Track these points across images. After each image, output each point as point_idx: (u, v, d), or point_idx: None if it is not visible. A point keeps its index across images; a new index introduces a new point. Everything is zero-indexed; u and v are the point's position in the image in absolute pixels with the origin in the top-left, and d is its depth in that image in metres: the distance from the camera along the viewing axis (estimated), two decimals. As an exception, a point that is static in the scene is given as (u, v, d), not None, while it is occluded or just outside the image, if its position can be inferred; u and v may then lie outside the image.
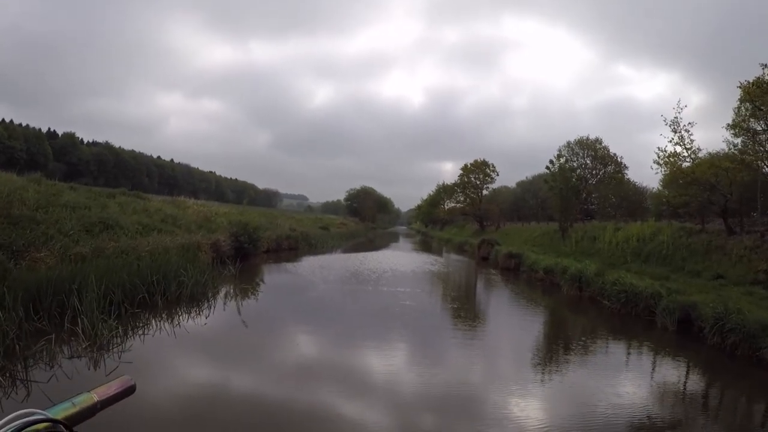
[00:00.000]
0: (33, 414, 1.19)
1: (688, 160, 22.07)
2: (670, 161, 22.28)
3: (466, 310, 18.35)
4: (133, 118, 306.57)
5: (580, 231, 32.66)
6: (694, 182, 21.00)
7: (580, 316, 18.20)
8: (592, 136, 46.18)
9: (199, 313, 14.20)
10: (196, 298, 15.46)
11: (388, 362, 10.89)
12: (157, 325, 12.59)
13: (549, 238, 37.04)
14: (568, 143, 42.14)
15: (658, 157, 22.71)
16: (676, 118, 21.88)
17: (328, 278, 23.24)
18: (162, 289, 14.67)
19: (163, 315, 13.53)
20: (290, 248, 37.79)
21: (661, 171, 24.50)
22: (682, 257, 21.44)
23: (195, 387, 8.88)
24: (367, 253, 42.93)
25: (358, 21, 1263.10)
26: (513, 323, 16.49)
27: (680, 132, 21.97)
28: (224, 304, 15.70)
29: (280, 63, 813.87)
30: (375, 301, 18.44)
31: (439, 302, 19.95)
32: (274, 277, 23.69)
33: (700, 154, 22.52)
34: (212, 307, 15.05)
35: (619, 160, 46.50)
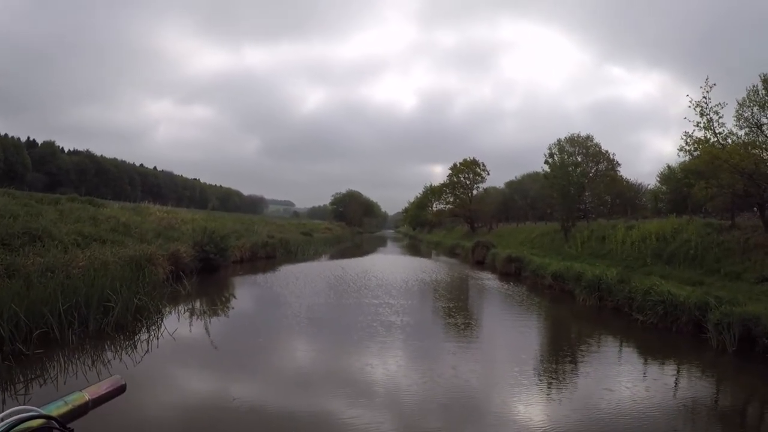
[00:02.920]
0: (28, 411, 1.24)
1: (717, 145, 19.06)
2: (701, 147, 19.23)
3: (466, 326, 15.09)
4: (121, 125, 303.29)
5: (585, 230, 29.67)
6: (733, 169, 17.97)
7: (606, 332, 14.98)
8: (583, 134, 43.51)
9: (132, 350, 10.91)
10: (127, 329, 12.12)
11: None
12: (63, 374, 9.34)
13: (549, 239, 34.06)
14: (559, 141, 39.45)
15: (686, 143, 19.68)
16: (704, 98, 18.91)
17: (302, 291, 19.92)
18: (79, 319, 11.34)
19: (77, 357, 10.24)
20: (267, 257, 34.30)
21: (686, 158, 21.72)
22: (715, 258, 18.46)
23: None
24: (351, 260, 39.72)
25: (351, 25, 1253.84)
26: (525, 344, 13.24)
27: (708, 115, 19.00)
28: (164, 334, 12.11)
29: (272, 68, 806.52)
30: (353, 319, 15.07)
31: (432, 317, 16.78)
32: (238, 293, 20.22)
33: (728, 140, 19.52)
34: (151, 339, 11.74)
35: (611, 157, 43.91)
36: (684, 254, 19.90)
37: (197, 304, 16.40)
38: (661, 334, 13.88)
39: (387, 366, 10.51)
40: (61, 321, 10.75)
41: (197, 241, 24.08)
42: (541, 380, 9.96)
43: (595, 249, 26.58)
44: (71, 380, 8.86)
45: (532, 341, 13.80)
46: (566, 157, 33.88)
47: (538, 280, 23.96)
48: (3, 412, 1.19)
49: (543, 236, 35.85)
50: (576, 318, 17.25)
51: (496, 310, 18.36)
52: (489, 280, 26.46)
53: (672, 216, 26.04)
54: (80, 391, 1.46)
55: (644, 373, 10.69)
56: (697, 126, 19.35)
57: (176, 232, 26.08)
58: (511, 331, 14.90)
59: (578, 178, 32.11)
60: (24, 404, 1.30)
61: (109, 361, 10.08)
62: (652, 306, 14.47)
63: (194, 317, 14.54)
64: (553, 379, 10.13)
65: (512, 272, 27.69)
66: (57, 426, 1.26)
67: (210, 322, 14.22)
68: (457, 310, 17.98)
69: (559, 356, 12.13)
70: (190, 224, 28.68)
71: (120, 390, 1.58)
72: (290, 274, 26.10)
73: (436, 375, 9.92)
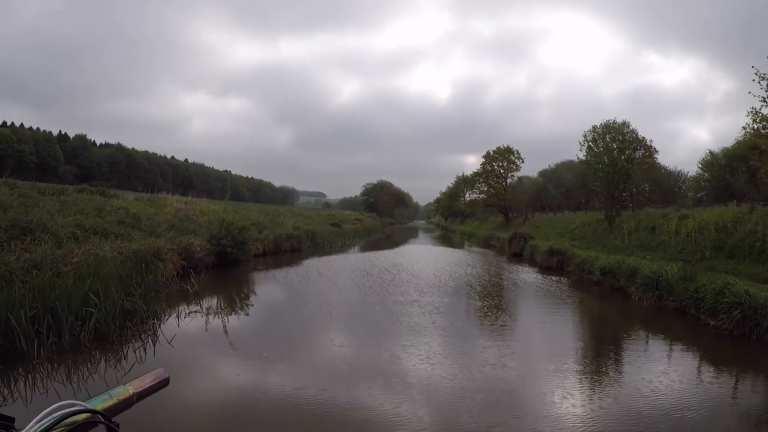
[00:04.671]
0: (74, 405, 1.24)
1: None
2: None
3: (506, 331, 13.08)
4: (155, 118, 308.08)
5: (631, 220, 27.38)
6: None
7: (669, 338, 12.68)
8: (619, 120, 41.06)
9: (118, 362, 9.31)
10: (110, 338, 10.40)
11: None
12: (31, 391, 7.79)
13: (592, 230, 31.82)
14: (594, 128, 37.25)
15: (753, 121, 17.47)
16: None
17: (324, 289, 18.22)
18: (55, 327, 9.67)
19: (48, 373, 8.61)
20: (292, 250, 32.50)
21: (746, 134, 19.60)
22: (787, 251, 16.24)
23: None
24: (380, 252, 37.99)
25: (386, 15, 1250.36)
26: (577, 353, 11.18)
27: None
28: (161, 341, 10.44)
29: (307, 59, 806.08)
30: (378, 319, 13.56)
31: (466, 318, 14.73)
32: (252, 291, 18.42)
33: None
34: (145, 346, 10.09)
35: (648, 143, 41.35)
36: (749, 247, 17.69)
37: (204, 305, 14.57)
38: (736, 342, 11.82)
39: (412, 377, 8.91)
40: (28, 330, 9.07)
41: (213, 234, 22.44)
42: (597, 398, 8.13)
43: (644, 240, 24.34)
44: (41, 400, 7.33)
45: (585, 349, 11.78)
46: (609, 141, 31.34)
47: (584, 276, 21.86)
48: (48, 407, 1.19)
49: (584, 227, 33.59)
50: (631, 320, 15.07)
51: (541, 312, 16.07)
52: (529, 274, 24.28)
53: (732, 204, 23.65)
54: (125, 384, 1.46)
55: (717, 389, 8.91)
56: (764, 101, 17.25)
57: (193, 224, 24.55)
58: (560, 337, 12.76)
59: (623, 164, 29.64)
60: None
61: (90, 375, 8.55)
62: (727, 309, 12.31)
63: (197, 321, 12.76)
64: (609, 396, 8.24)
65: (554, 266, 25.65)
66: (102, 420, 1.26)
67: (214, 326, 12.41)
68: (495, 309, 16.04)
69: (617, 367, 10.11)
70: (210, 215, 27.08)
71: (164, 383, 1.58)
72: (313, 269, 24.37)
73: (470, 395, 8.15)
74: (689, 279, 14.84)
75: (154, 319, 11.84)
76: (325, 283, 19.57)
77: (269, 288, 19.06)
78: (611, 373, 9.66)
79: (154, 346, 10.26)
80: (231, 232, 22.69)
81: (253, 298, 16.74)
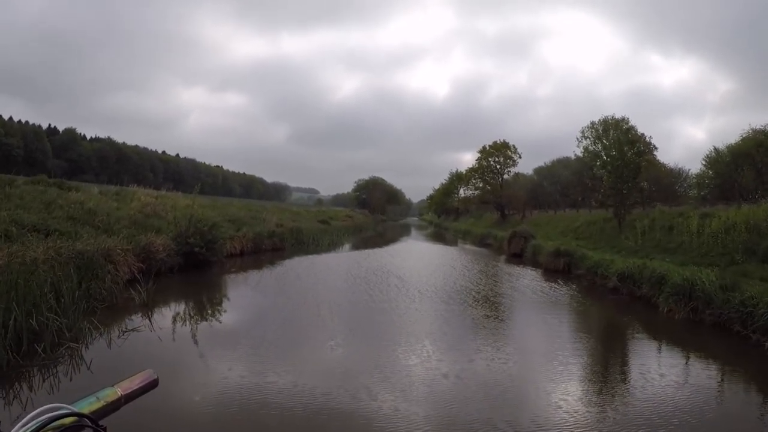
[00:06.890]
0: (59, 409, 1.19)
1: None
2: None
3: (512, 352, 10.66)
4: (153, 113, 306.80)
5: (644, 219, 25.10)
6: None
7: (717, 361, 10.42)
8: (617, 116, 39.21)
9: (16, 394, 7.10)
10: (2, 371, 7.89)
11: None
12: None
13: (598, 229, 29.61)
14: (592, 123, 35.31)
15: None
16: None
17: (299, 295, 15.99)
18: None
19: None
20: (274, 249, 30.03)
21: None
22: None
23: None
24: (369, 251, 35.74)
25: (390, 11, 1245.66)
26: (605, 386, 8.87)
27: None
28: (80, 368, 8.08)
29: (309, 55, 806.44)
30: (360, 339, 11.18)
31: (461, 333, 12.08)
32: (211, 300, 15.68)
33: None
34: (57, 373, 7.79)
35: (647, 140, 39.39)
36: (788, 250, 15.46)
37: (153, 319, 12.08)
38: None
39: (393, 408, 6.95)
40: None
41: (180, 231, 19.91)
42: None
43: (660, 241, 22.07)
44: None
45: (612, 373, 9.41)
46: (619, 134, 29.10)
47: (597, 281, 19.52)
48: (33, 411, 1.14)
49: (590, 225, 31.39)
50: (663, 336, 12.40)
51: (552, 325, 13.50)
52: (533, 278, 21.82)
53: (764, 203, 21.33)
54: (112, 386, 1.39)
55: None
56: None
57: (160, 221, 22.06)
58: (579, 356, 10.32)
59: (633, 158, 27.42)
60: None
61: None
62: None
63: (136, 339, 10.25)
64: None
65: (560, 269, 23.30)
66: (89, 423, 1.21)
67: (154, 348, 9.88)
68: (498, 323, 13.69)
69: (657, 405, 7.66)
70: (181, 211, 24.52)
71: (152, 384, 1.50)
72: (292, 271, 21.93)
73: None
74: (731, 289, 12.50)
75: (78, 340, 9.39)
76: (300, 289, 17.36)
77: (238, 295, 16.44)
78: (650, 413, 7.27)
79: (77, 372, 7.95)
80: (199, 230, 20.16)
81: (206, 312, 13.80)
